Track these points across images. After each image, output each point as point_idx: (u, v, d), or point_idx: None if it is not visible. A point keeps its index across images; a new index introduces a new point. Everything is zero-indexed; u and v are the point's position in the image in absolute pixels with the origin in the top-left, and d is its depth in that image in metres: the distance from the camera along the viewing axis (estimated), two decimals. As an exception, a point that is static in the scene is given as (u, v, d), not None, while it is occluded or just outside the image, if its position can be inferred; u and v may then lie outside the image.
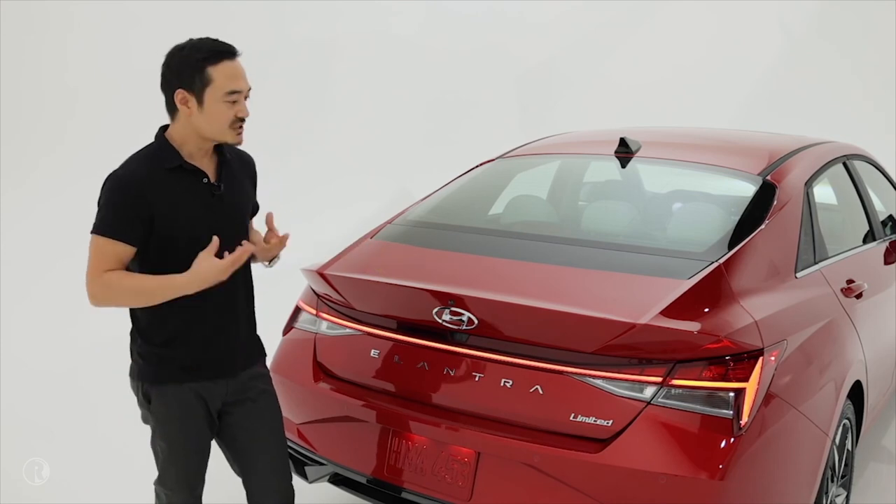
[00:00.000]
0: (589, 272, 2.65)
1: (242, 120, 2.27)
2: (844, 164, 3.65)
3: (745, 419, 2.23)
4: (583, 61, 10.30)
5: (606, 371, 2.32)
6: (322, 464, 2.83)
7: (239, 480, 2.54)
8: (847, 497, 3.09)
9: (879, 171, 4.14)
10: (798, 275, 2.80)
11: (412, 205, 3.46)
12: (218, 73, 2.19)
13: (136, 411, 2.41)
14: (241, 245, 2.27)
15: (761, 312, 2.43)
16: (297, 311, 3.08)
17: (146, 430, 2.41)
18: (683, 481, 2.20)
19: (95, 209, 2.20)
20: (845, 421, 2.91)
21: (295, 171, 8.54)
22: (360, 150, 9.26)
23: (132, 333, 2.35)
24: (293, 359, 2.98)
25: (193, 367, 2.31)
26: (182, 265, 2.18)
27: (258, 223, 2.55)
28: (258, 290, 2.49)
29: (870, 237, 3.67)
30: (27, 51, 9.23)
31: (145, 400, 2.34)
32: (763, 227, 2.73)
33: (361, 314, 2.79)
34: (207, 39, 2.23)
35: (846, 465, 3.01)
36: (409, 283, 2.67)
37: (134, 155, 2.26)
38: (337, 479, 2.85)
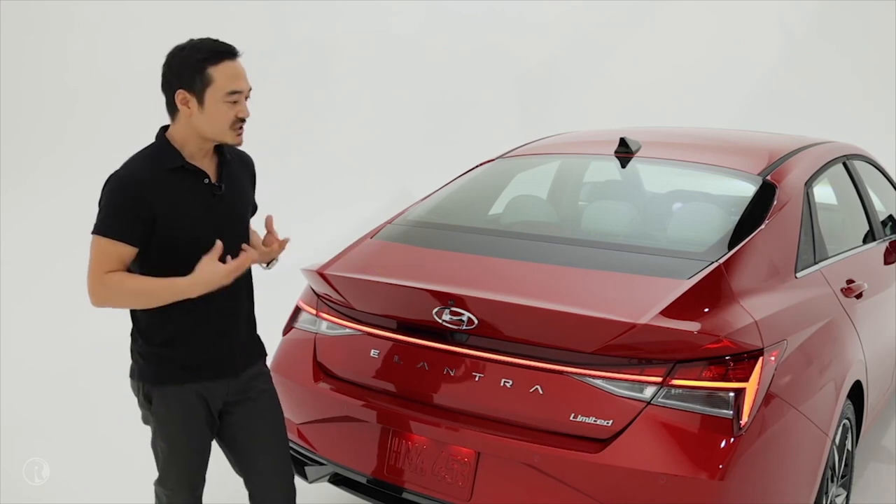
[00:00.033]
0: (589, 272, 2.65)
1: (243, 120, 2.27)
2: (844, 164, 3.65)
3: (745, 419, 2.23)
4: (583, 61, 10.30)
5: (606, 371, 2.32)
6: (322, 464, 2.83)
7: (239, 480, 2.54)
8: (847, 497, 3.09)
9: (879, 171, 4.14)
10: (798, 275, 2.80)
11: (412, 205, 3.46)
12: (218, 73, 2.19)
13: (136, 411, 2.41)
14: (242, 248, 2.28)
15: (761, 312, 2.43)
16: (297, 311, 3.08)
17: (146, 431, 2.41)
18: (683, 481, 2.20)
19: (96, 209, 2.20)
20: (845, 421, 2.91)
21: (295, 171, 8.54)
22: (360, 150, 9.26)
23: (133, 334, 2.35)
24: (293, 359, 2.98)
25: (194, 367, 2.31)
26: (182, 265, 2.18)
27: (257, 224, 2.55)
28: (258, 290, 2.49)
29: (870, 237, 3.67)
30: (27, 51, 9.23)
31: (146, 401, 2.34)
32: (763, 227, 2.73)
33: (361, 314, 2.79)
34: (208, 40, 2.23)
35: (846, 465, 3.01)
36: (409, 283, 2.67)
37: (135, 155, 2.26)
38: (337, 479, 2.85)
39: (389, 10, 10.37)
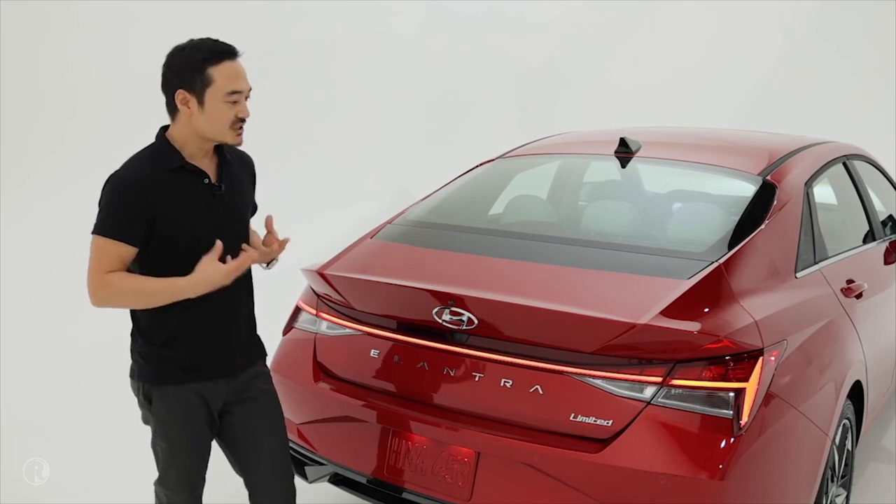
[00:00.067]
0: (589, 272, 2.65)
1: (243, 120, 2.27)
2: (844, 164, 3.65)
3: (745, 419, 2.23)
4: (583, 61, 10.30)
5: (606, 371, 2.32)
6: (322, 464, 2.83)
7: (239, 480, 2.54)
8: (847, 497, 3.09)
9: (879, 171, 4.14)
10: (798, 275, 2.80)
11: (412, 205, 3.46)
12: (219, 73, 2.19)
13: (136, 411, 2.41)
14: (242, 248, 2.28)
15: (761, 312, 2.43)
16: (297, 311, 3.08)
17: (146, 431, 2.41)
18: (683, 481, 2.20)
19: (96, 209, 2.20)
20: (845, 421, 2.91)
21: (295, 171, 8.54)
22: (360, 150, 9.26)
23: (133, 334, 2.35)
24: (293, 359, 2.98)
25: (194, 367, 2.31)
26: (182, 266, 2.18)
27: (257, 224, 2.55)
28: (258, 290, 2.50)
29: (870, 237, 3.67)
30: (27, 51, 9.23)
31: (146, 401, 2.34)
32: (763, 227, 2.73)
33: (361, 314, 2.79)
34: (208, 40, 2.23)
35: (846, 465, 3.01)
36: (409, 283, 2.67)
37: (135, 155, 2.26)
38: (337, 479, 2.85)
39: (389, 10, 10.37)
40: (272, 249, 2.47)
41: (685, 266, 2.54)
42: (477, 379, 2.50)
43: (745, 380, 2.26)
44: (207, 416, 2.36)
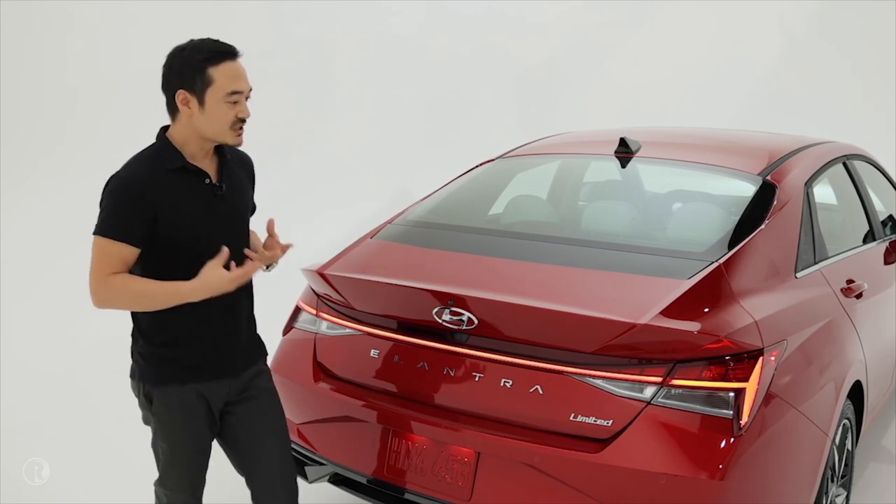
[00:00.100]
0: (589, 272, 2.65)
1: (243, 121, 2.27)
2: (844, 164, 3.65)
3: (745, 419, 2.23)
4: (583, 61, 10.30)
5: (606, 371, 2.32)
6: (322, 464, 2.83)
7: (240, 480, 2.53)
8: (847, 497, 3.09)
9: (879, 171, 4.15)
10: (798, 275, 2.80)
11: (412, 205, 3.46)
12: (219, 73, 2.19)
13: (137, 412, 2.40)
14: (247, 256, 2.29)
15: (761, 312, 2.43)
16: (297, 311, 3.08)
17: (146, 431, 2.41)
18: (683, 481, 2.20)
19: (96, 210, 2.19)
20: (845, 421, 2.91)
21: (295, 171, 8.54)
22: (360, 150, 9.26)
23: (133, 334, 2.35)
24: (293, 359, 2.98)
25: (195, 367, 2.31)
26: (183, 266, 2.19)
27: (258, 227, 2.55)
28: (258, 290, 2.50)
29: (870, 237, 3.67)
30: (27, 51, 9.23)
31: (147, 401, 2.34)
32: (763, 227, 2.73)
33: (361, 314, 2.79)
34: (208, 40, 2.24)
35: (846, 465, 3.01)
36: (409, 283, 2.67)
37: (136, 156, 2.26)
38: (337, 479, 2.85)
39: (389, 10, 10.37)
40: (274, 254, 2.47)
41: (685, 266, 2.54)
42: (477, 379, 2.50)
43: (745, 380, 2.26)
44: (208, 417, 2.36)
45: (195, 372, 2.31)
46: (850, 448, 3.03)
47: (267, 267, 2.52)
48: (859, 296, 3.14)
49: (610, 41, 10.40)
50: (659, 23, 10.30)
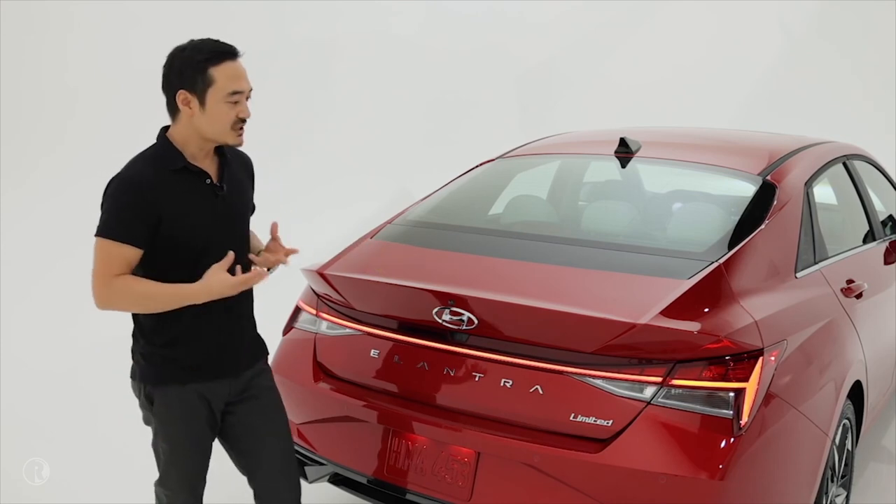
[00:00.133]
0: (589, 272, 2.65)
1: (244, 121, 2.27)
2: (844, 164, 3.65)
3: (745, 419, 2.23)
4: (583, 61, 10.30)
5: (606, 371, 2.32)
6: (322, 464, 2.83)
7: (242, 480, 2.53)
8: (847, 497, 3.10)
9: (879, 171, 4.15)
10: (798, 275, 2.80)
11: (412, 205, 3.46)
12: (220, 73, 2.19)
13: (137, 412, 2.40)
14: (252, 262, 2.31)
15: (761, 312, 2.43)
16: (297, 311, 3.08)
17: (146, 431, 2.41)
18: (683, 481, 2.20)
19: (97, 211, 2.19)
20: (845, 421, 2.91)
21: (295, 171, 8.54)
22: (360, 150, 9.26)
23: (134, 334, 2.35)
24: (293, 359, 2.98)
25: (195, 367, 2.31)
26: (184, 266, 2.19)
27: (259, 227, 2.55)
28: (258, 290, 2.49)
29: (870, 237, 3.67)
30: (27, 51, 9.23)
31: (147, 402, 2.34)
32: (763, 227, 2.73)
33: (361, 314, 2.79)
34: (209, 40, 2.23)
35: (846, 465, 3.01)
36: (409, 283, 2.67)
37: (137, 156, 2.26)
38: (337, 480, 2.85)
39: (389, 10, 10.37)
40: (278, 258, 2.47)
41: (685, 266, 2.54)
42: (477, 379, 2.50)
43: (745, 380, 2.26)
44: (209, 417, 2.36)
45: (196, 372, 2.31)
46: (850, 448, 3.03)
47: (268, 269, 2.52)
48: (859, 296, 3.14)
49: (610, 41, 10.41)
50: (659, 23, 10.30)
